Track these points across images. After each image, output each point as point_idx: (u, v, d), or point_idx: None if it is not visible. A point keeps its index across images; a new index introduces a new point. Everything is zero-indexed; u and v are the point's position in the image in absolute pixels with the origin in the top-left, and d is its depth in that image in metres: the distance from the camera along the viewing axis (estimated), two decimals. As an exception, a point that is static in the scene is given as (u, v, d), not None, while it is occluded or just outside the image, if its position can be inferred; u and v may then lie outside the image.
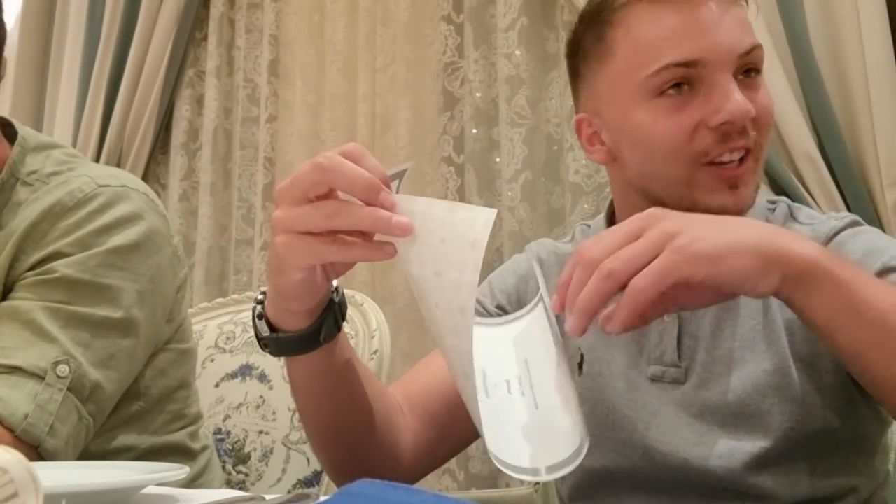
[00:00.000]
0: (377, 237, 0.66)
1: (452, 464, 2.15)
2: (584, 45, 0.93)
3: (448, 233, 0.61)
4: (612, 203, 1.00)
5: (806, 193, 1.75)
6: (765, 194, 0.98)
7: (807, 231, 0.89)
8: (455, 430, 0.93)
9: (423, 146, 2.28)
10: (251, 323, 0.77)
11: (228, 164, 2.61)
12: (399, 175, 0.67)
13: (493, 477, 2.12)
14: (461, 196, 2.24)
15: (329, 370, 0.78)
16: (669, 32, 0.85)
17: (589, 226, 1.04)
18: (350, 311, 1.35)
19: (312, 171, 0.65)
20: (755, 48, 0.86)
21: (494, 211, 0.60)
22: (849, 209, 1.69)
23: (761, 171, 0.89)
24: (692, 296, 0.69)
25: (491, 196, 2.20)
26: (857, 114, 1.75)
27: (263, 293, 0.76)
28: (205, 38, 2.67)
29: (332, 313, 0.75)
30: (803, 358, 0.85)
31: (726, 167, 0.85)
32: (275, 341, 0.75)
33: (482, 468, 2.12)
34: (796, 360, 0.85)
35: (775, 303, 0.86)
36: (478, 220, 0.59)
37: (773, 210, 0.94)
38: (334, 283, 0.75)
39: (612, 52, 0.89)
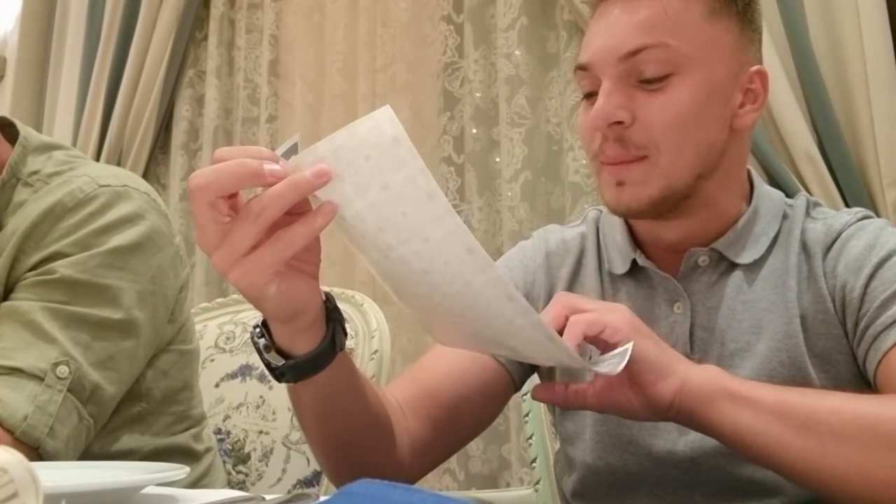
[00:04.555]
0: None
1: (453, 463, 2.15)
2: None
3: (366, 150, 0.57)
4: None
5: (806, 193, 1.76)
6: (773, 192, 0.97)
7: (819, 228, 0.90)
8: (455, 430, 0.93)
9: (423, 146, 2.28)
10: (254, 349, 0.74)
11: (229, 164, 2.61)
12: (292, 150, 0.63)
13: (494, 476, 2.12)
14: (461, 196, 2.24)
15: (341, 383, 0.77)
16: (587, 36, 0.91)
17: (601, 210, 1.03)
18: (350, 311, 1.35)
19: (196, 197, 0.61)
20: (643, 49, 0.84)
21: (386, 107, 0.57)
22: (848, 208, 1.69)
23: (668, 178, 0.86)
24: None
25: (491, 196, 2.20)
26: (857, 114, 1.75)
27: (256, 327, 0.74)
28: (205, 38, 2.68)
29: (335, 321, 0.73)
30: (818, 353, 0.85)
31: (613, 165, 0.87)
32: (292, 367, 0.72)
33: (482, 468, 2.13)
34: (812, 356, 0.85)
35: (791, 295, 0.87)
36: (382, 121, 0.56)
37: (792, 206, 0.94)
38: (322, 291, 0.73)
39: None
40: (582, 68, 0.89)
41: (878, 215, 1.72)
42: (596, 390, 0.77)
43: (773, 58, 1.77)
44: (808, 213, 0.93)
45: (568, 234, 1.03)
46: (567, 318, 0.76)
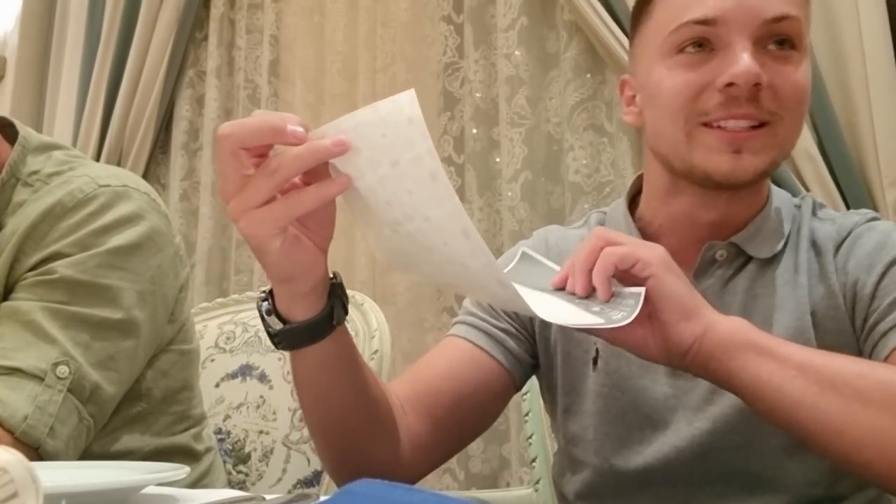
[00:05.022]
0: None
1: (453, 463, 2.15)
2: (638, 6, 0.94)
3: (383, 127, 0.61)
4: (632, 185, 1.00)
5: (811, 194, 1.76)
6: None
7: (829, 227, 0.90)
8: (455, 429, 0.93)
9: (423, 146, 2.28)
10: (259, 321, 0.76)
11: (229, 164, 2.61)
12: None
13: (494, 476, 2.12)
14: (461, 196, 2.24)
15: (338, 360, 0.77)
16: None
17: (605, 213, 1.03)
18: (350, 312, 1.35)
19: (221, 145, 0.64)
20: (786, 17, 0.84)
21: (411, 90, 0.60)
22: (848, 208, 1.69)
23: (781, 149, 0.86)
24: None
25: (491, 196, 2.20)
26: (857, 114, 1.76)
27: (264, 292, 0.75)
28: (205, 39, 2.68)
29: (338, 296, 0.75)
30: (828, 349, 0.84)
31: (731, 131, 0.84)
32: (288, 333, 0.74)
33: (482, 468, 2.13)
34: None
35: (802, 292, 0.87)
36: (402, 103, 0.60)
37: (800, 207, 0.95)
38: (331, 272, 0.75)
39: (651, 12, 0.91)
40: (704, 22, 0.84)
41: (878, 215, 1.73)
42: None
43: (773, 58, 1.77)
44: (814, 214, 0.94)
45: (569, 234, 1.03)
46: (602, 251, 0.76)
